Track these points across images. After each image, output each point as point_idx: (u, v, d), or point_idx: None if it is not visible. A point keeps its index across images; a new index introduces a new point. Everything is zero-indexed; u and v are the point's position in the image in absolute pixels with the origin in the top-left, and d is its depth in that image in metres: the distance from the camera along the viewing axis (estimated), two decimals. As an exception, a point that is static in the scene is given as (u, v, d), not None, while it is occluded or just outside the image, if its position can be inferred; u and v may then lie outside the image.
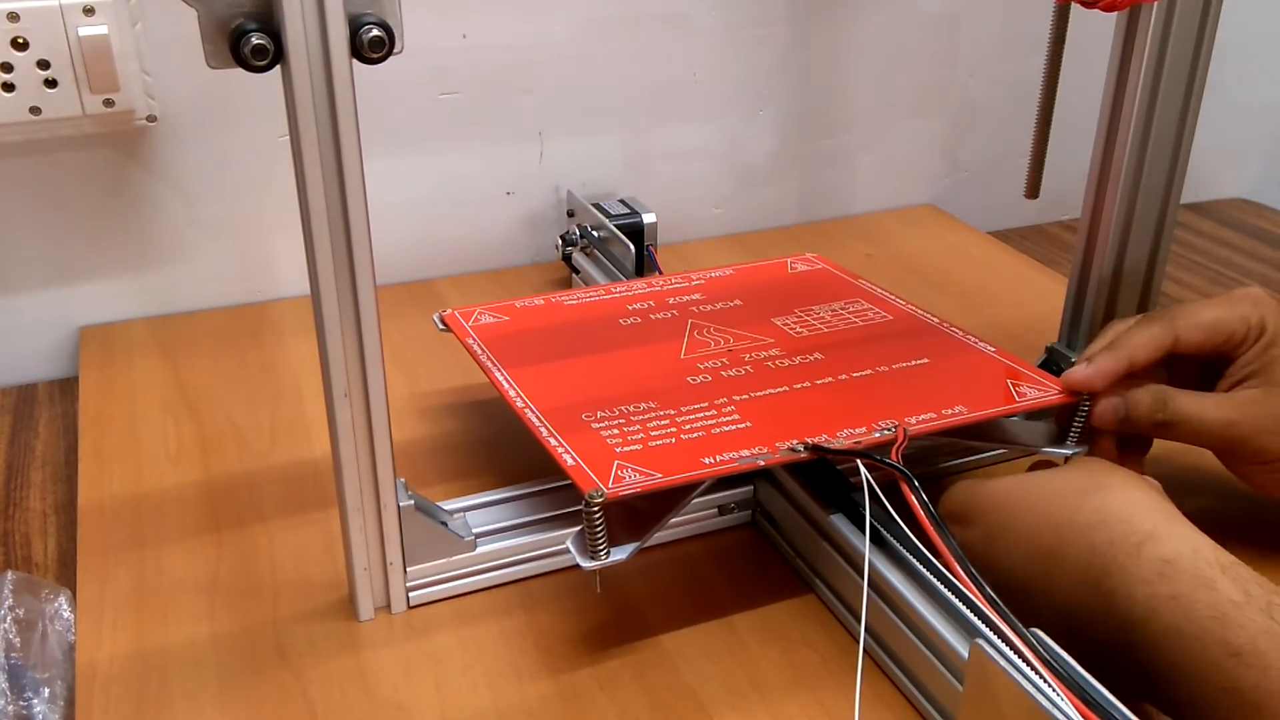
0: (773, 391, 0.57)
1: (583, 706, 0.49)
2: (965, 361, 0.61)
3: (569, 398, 0.56)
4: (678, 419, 0.54)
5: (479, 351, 0.62)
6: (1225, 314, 0.56)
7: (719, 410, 0.55)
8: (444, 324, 0.65)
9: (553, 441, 0.52)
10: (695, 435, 0.53)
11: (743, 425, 0.54)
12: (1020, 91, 0.92)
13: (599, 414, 0.55)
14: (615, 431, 0.53)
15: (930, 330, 0.64)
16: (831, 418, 0.54)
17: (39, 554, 0.61)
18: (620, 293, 0.70)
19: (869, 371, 0.59)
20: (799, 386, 0.58)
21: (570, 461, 0.51)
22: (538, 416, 0.55)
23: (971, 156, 1.05)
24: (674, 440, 0.52)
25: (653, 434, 0.53)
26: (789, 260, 0.75)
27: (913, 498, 0.47)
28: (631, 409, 0.55)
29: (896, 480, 0.48)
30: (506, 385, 0.58)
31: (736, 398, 0.56)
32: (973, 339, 0.63)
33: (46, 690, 0.50)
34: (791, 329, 0.64)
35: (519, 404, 0.56)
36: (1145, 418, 0.55)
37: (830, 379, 0.59)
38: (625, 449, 0.51)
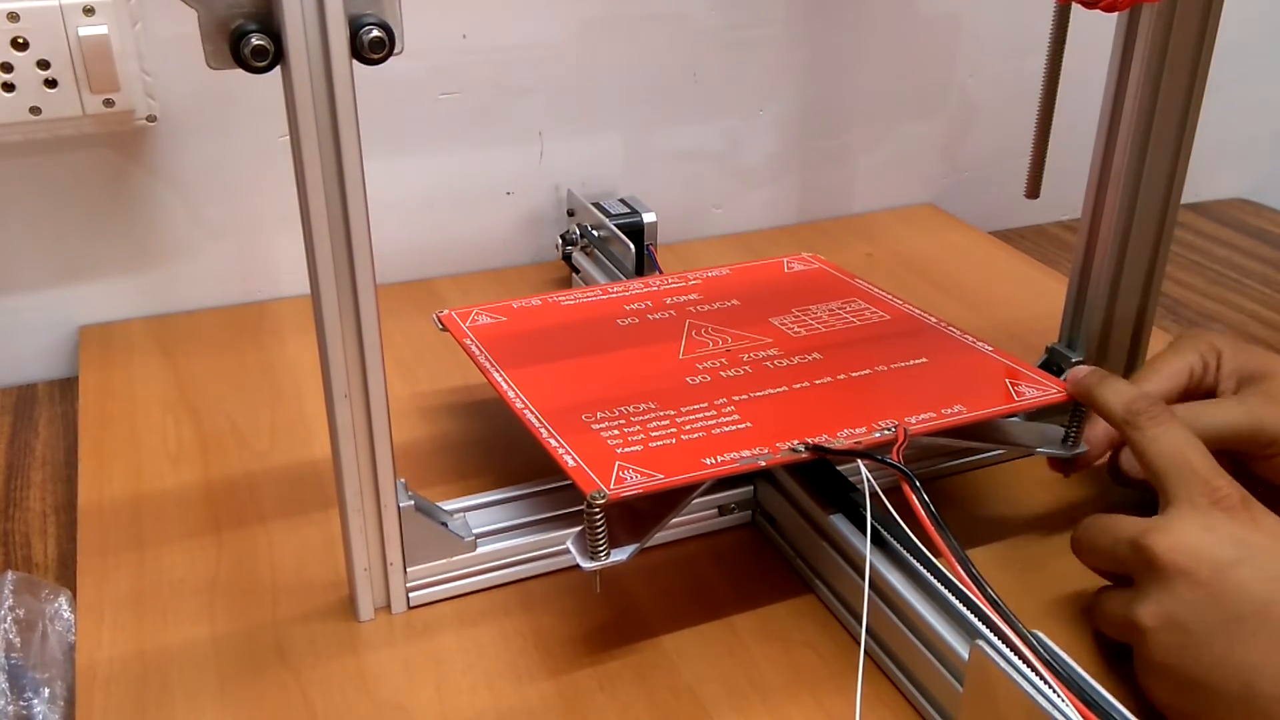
0: (772, 391, 0.57)
1: (583, 707, 0.49)
2: (964, 361, 0.61)
3: (568, 399, 0.56)
4: (678, 419, 0.54)
5: (477, 353, 0.62)
6: (1179, 359, 0.57)
7: (719, 411, 0.55)
8: (442, 325, 0.66)
9: (553, 443, 0.52)
10: (695, 436, 0.53)
11: (743, 425, 0.54)
12: (1020, 91, 0.92)
13: (599, 415, 0.55)
14: (615, 432, 0.53)
15: (928, 330, 0.64)
16: (831, 418, 0.54)
17: (39, 554, 0.61)
18: (618, 293, 0.70)
19: (868, 371, 0.59)
20: (798, 386, 0.58)
21: (571, 463, 0.50)
22: (538, 417, 0.55)
23: (972, 156, 1.05)
24: (674, 441, 0.52)
25: (653, 435, 0.53)
26: (785, 260, 0.75)
27: (914, 498, 0.47)
28: (631, 410, 0.55)
29: (897, 480, 0.48)
30: (505, 386, 0.58)
31: (736, 398, 0.56)
32: (970, 339, 0.63)
33: (46, 690, 0.50)
34: (789, 329, 0.64)
35: (518, 405, 0.56)
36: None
37: (829, 379, 0.59)
38: (626, 450, 0.51)
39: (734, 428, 0.53)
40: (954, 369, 0.60)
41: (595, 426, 0.54)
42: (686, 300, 0.69)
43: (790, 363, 0.60)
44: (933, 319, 0.66)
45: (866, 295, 0.69)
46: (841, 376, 0.59)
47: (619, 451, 0.51)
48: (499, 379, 0.59)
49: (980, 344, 0.62)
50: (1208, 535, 0.46)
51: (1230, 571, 0.45)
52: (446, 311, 0.66)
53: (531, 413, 0.55)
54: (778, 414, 0.55)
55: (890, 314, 0.67)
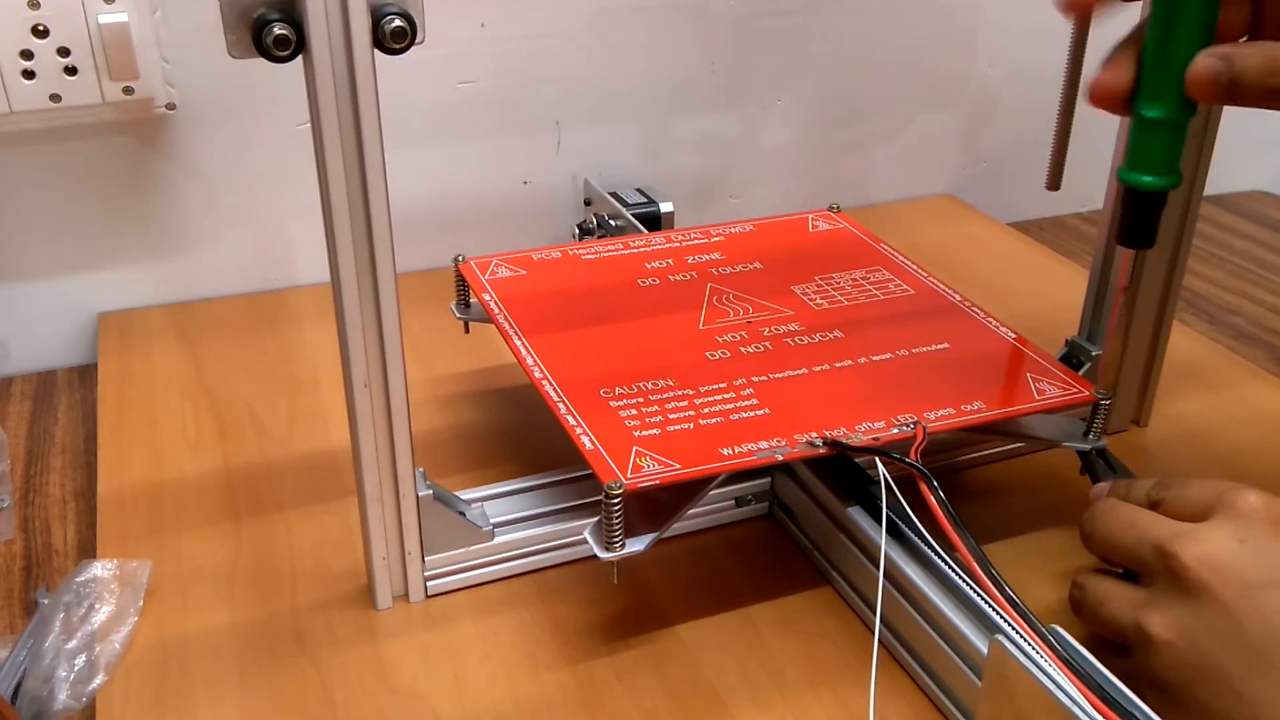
0: (791, 374, 0.57)
1: (600, 697, 0.49)
2: (986, 349, 0.60)
3: (587, 371, 0.56)
4: (696, 401, 0.54)
5: (496, 311, 0.62)
6: None
7: (737, 393, 0.55)
8: (459, 274, 0.65)
9: (571, 420, 0.52)
10: (713, 421, 0.53)
11: (761, 412, 0.53)
12: (1041, 82, 0.91)
13: (617, 391, 0.55)
14: (634, 413, 0.53)
15: (951, 309, 0.64)
16: (850, 408, 0.54)
17: (58, 540, 0.61)
18: (639, 247, 0.69)
19: (888, 355, 0.59)
20: (818, 369, 0.57)
21: (589, 445, 0.50)
22: (556, 391, 0.55)
23: (991, 147, 1.04)
24: (692, 426, 0.52)
25: (671, 417, 0.53)
26: (810, 217, 0.74)
27: (931, 498, 0.47)
28: (650, 386, 0.55)
29: (914, 477, 0.48)
30: (525, 353, 0.58)
31: (755, 379, 0.56)
32: (994, 322, 0.62)
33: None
34: (811, 299, 0.64)
35: (537, 374, 0.56)
36: (1256, 83, 0.43)
37: (849, 361, 0.58)
38: (644, 433, 0.51)
39: (752, 414, 0.53)
40: (975, 357, 0.59)
41: (614, 404, 0.54)
42: (708, 260, 0.68)
43: (811, 340, 0.60)
44: (956, 296, 0.65)
45: (890, 264, 0.69)
46: (862, 360, 0.58)
47: (636, 435, 0.51)
48: (519, 344, 0.58)
49: (1003, 329, 0.62)
50: (1241, 549, 0.43)
51: (1259, 594, 0.42)
52: (465, 259, 0.66)
53: (550, 384, 0.55)
54: (796, 400, 0.55)
55: (914, 287, 0.66)
